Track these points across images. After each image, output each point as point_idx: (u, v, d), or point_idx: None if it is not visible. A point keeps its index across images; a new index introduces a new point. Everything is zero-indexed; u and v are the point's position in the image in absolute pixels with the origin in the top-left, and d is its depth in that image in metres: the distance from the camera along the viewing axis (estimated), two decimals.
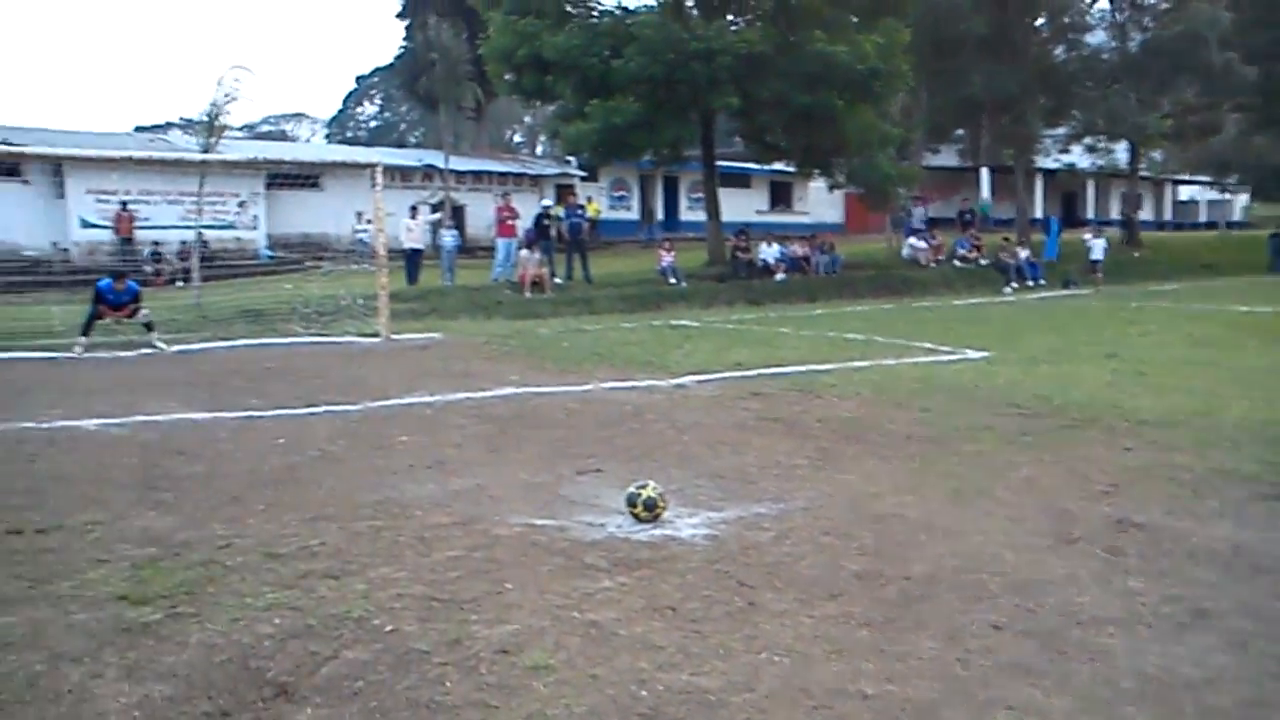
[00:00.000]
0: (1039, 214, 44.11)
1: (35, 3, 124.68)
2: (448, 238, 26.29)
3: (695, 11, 27.23)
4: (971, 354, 14.32)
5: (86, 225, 30.60)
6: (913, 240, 31.33)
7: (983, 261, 30.52)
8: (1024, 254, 29.84)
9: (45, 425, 9.38)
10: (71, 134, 33.95)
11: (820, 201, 47.06)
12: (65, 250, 30.24)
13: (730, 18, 27.16)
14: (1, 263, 22.55)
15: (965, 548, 5.91)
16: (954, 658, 4.42)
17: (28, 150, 20.91)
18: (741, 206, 38.48)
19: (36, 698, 4.01)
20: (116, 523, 6.32)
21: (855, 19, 27.48)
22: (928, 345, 15.21)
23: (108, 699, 4.02)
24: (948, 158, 45.97)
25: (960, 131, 43.53)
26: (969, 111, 37.83)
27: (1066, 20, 37.42)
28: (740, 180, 43.76)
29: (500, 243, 25.66)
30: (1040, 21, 37.69)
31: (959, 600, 5.09)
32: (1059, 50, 38.16)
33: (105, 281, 15.33)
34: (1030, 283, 28.51)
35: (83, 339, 14.68)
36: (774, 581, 5.34)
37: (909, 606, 5.01)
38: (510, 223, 25.51)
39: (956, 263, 30.60)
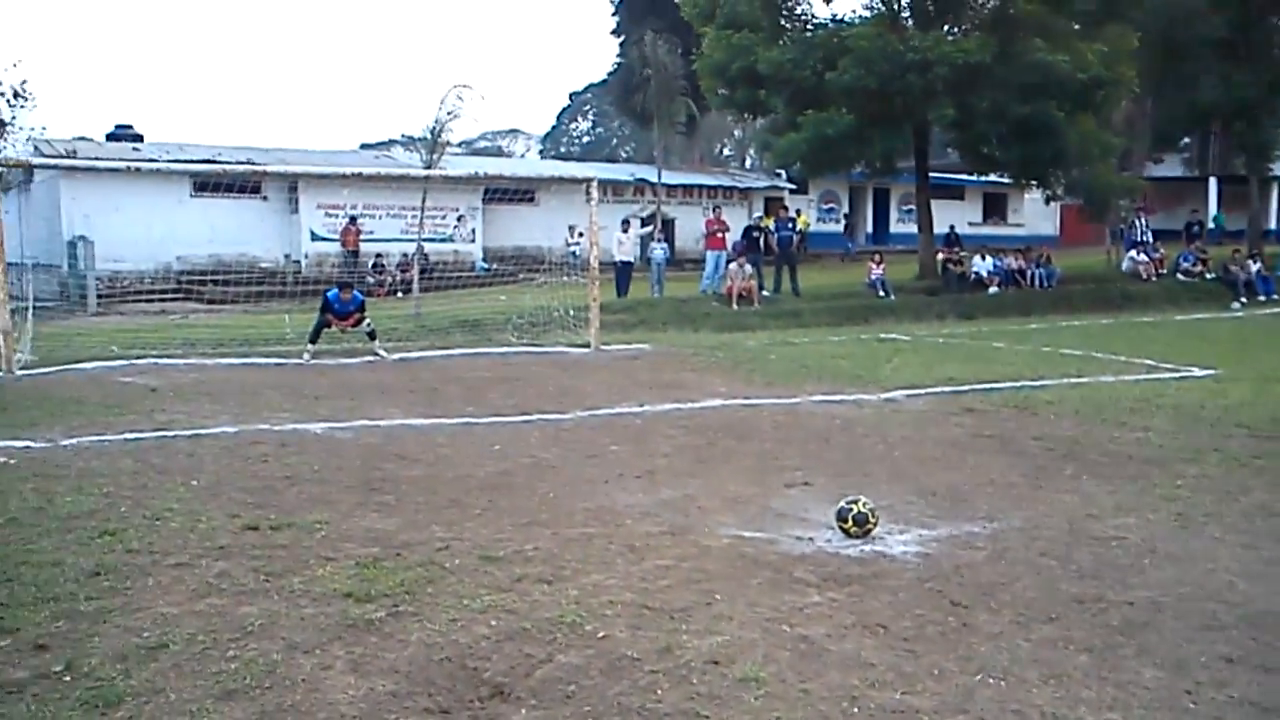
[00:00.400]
0: (1272, 225, 41.68)
1: (273, 34, 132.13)
2: (658, 250, 26.56)
3: (910, 22, 26.83)
4: (1197, 372, 13.67)
5: (316, 238, 32.10)
6: (1133, 253, 30.07)
7: (1208, 275, 29.06)
8: (1255, 267, 28.22)
9: (276, 428, 9.87)
10: (305, 152, 35.66)
11: (1035, 213, 45.74)
12: (296, 262, 31.76)
13: (946, 28, 26.62)
14: (240, 273, 23.87)
15: (1192, 574, 5.67)
16: (1182, 689, 4.25)
17: (270, 169, 22.06)
18: (954, 218, 37.62)
19: (274, 685, 4.25)
20: (342, 522, 6.63)
21: (1078, 26, 26.60)
22: (1149, 362, 14.58)
23: (336, 691, 4.23)
24: (1171, 167, 44.01)
25: (1186, 140, 41.53)
26: (1198, 118, 36.01)
27: None
28: (953, 191, 42.84)
29: (710, 255, 25.78)
30: None
31: (1186, 629, 4.89)
32: None
33: (333, 292, 16.01)
34: (1261, 298, 26.94)
35: (311, 346, 15.37)
36: (988, 602, 5.24)
37: (1131, 633, 4.84)
38: (720, 235, 25.60)
39: (1180, 277, 29.21)
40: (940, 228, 30.55)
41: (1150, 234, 31.54)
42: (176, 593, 5.29)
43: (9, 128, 29.74)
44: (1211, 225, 37.64)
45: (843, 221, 44.16)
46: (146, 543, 6.07)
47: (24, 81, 30.34)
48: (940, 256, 28.52)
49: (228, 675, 4.32)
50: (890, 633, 4.83)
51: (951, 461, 8.54)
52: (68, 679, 4.28)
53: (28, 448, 8.77)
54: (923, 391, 12.13)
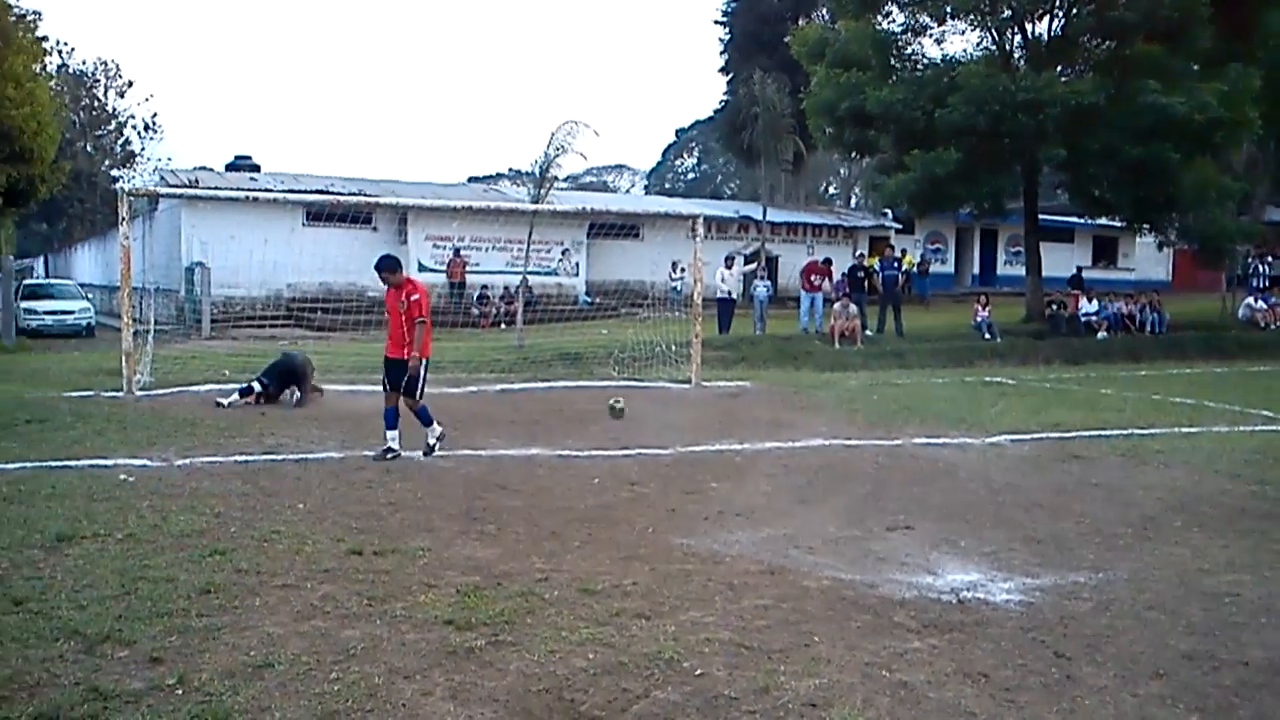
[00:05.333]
0: None
1: (387, 68, 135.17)
2: (760, 288, 26.53)
3: (1023, 62, 26.50)
4: None
5: (423, 269, 32.58)
6: (1250, 300, 29.26)
7: None
8: None
9: None
10: (415, 184, 36.33)
11: (1146, 257, 44.87)
12: None
13: (1059, 68, 26.22)
14: (349, 302, 24.33)
15: None
16: None
17: (381, 200, 22.47)
18: (1063, 261, 37.01)
19: (375, 708, 4.32)
20: (444, 550, 6.72)
21: (1197, 66, 26.03)
22: (1266, 413, 14.15)
23: (436, 717, 4.29)
24: None
25: None
26: None
27: None
28: (1062, 234, 42.15)
29: (804, 295, 25.68)
30: None
31: None
32: None
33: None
34: None
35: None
36: (1093, 654, 5.13)
37: (1247, 695, 4.69)
38: (817, 282, 25.47)
39: None
40: (1049, 271, 29.98)
41: (1268, 280, 30.66)
42: (282, 613, 5.41)
43: (139, 158, 30.86)
44: None
45: (953, 262, 43.68)
46: (254, 563, 6.23)
47: (154, 115, 31.59)
48: (1049, 299, 28.07)
49: (330, 696, 4.40)
50: (991, 682, 4.75)
51: (1057, 509, 8.38)
52: (180, 692, 4.40)
53: (145, 466, 9.07)
54: (1028, 437, 11.93)
